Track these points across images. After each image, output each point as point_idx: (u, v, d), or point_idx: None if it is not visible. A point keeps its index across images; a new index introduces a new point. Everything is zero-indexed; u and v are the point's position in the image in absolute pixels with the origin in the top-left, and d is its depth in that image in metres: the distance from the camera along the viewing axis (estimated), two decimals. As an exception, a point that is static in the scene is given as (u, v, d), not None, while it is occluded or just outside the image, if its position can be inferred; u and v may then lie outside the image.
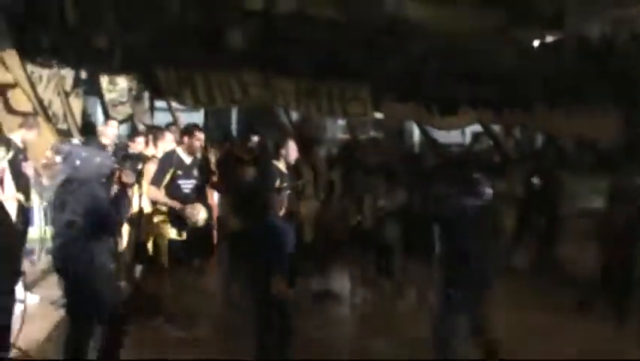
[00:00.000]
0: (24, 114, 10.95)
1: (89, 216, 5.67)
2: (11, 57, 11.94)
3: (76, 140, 8.51)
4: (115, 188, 6.38)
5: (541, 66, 21.76)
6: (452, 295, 6.48)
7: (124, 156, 7.00)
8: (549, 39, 25.75)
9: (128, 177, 6.85)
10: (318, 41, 19.21)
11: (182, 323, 8.01)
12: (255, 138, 9.24)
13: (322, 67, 18.10)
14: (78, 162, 5.70)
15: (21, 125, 8.84)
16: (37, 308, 8.29)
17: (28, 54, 12.82)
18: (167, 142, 8.39)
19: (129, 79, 15.16)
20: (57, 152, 5.71)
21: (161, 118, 14.94)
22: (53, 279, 9.13)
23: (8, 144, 8.30)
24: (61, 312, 8.57)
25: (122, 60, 15.14)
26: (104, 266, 6.02)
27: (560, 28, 25.87)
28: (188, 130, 8.18)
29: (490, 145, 19.79)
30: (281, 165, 8.55)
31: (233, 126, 18.96)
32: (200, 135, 8.16)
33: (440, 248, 6.72)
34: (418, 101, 18.02)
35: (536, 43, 25.42)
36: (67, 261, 5.86)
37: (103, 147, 8.13)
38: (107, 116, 14.74)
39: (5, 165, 5.56)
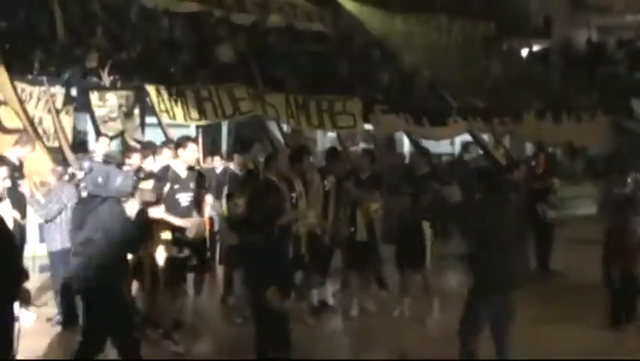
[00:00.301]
0: (15, 132, 10.97)
1: (110, 234, 5.59)
2: (0, 76, 11.95)
3: (98, 157, 8.40)
4: (136, 206, 6.31)
5: (529, 75, 21.99)
6: (476, 296, 6.47)
7: (146, 174, 6.99)
8: (537, 48, 25.98)
9: (149, 196, 6.85)
10: (307, 55, 19.35)
11: (181, 338, 7.99)
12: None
13: (312, 80, 18.21)
14: (100, 180, 5.58)
15: (15, 143, 8.81)
16: (33, 326, 8.27)
17: (19, 72, 12.86)
18: (165, 158, 8.33)
19: (119, 95, 15.16)
20: (80, 168, 5.64)
21: (152, 134, 14.93)
22: (49, 296, 9.13)
23: (6, 162, 8.27)
24: (58, 328, 8.59)
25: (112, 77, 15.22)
26: (121, 285, 5.92)
27: (547, 37, 26.11)
28: (182, 143, 8.15)
29: (480, 154, 19.88)
30: (273, 178, 8.57)
31: (224, 140, 18.98)
32: (195, 147, 8.13)
33: (466, 251, 6.69)
34: (407, 112, 18.13)
35: (524, 52, 25.64)
36: (85, 279, 5.73)
37: (122, 164, 8.04)
38: (98, 133, 14.76)
39: (8, 184, 5.47)
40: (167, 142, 9.17)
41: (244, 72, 16.97)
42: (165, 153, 8.31)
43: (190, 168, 8.12)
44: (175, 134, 15.48)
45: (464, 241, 6.73)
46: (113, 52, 15.79)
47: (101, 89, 14.92)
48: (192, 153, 8.07)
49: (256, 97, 15.99)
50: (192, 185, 8.03)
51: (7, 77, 11.77)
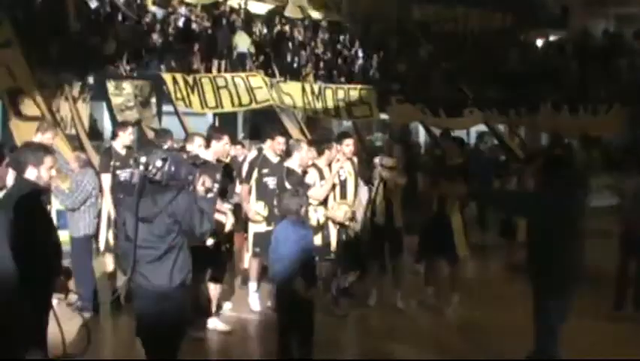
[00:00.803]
0: (34, 119, 11.03)
1: (186, 224, 5.38)
2: (18, 64, 12.03)
3: (166, 145, 8.33)
4: (199, 194, 6.21)
5: (545, 66, 21.88)
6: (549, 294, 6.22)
7: (203, 162, 6.92)
8: (553, 38, 25.85)
9: (208, 183, 6.81)
10: (323, 44, 19.34)
11: (201, 325, 8.00)
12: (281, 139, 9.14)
13: (329, 69, 18.23)
14: (173, 169, 5.36)
15: (37, 130, 8.83)
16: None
17: (37, 60, 12.92)
18: (195, 145, 8.30)
19: (135, 84, 15.20)
20: (157, 157, 5.35)
21: (169, 122, 14.98)
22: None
23: (50, 150, 8.26)
24: (78, 313, 8.60)
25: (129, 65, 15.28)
26: (190, 282, 5.63)
27: (564, 28, 25.98)
28: (215, 135, 8.16)
29: (495, 144, 19.87)
30: (295, 168, 8.55)
31: (240, 128, 19.06)
32: (227, 140, 8.15)
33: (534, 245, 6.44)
34: (423, 103, 18.13)
35: (540, 42, 25.53)
36: (160, 276, 5.36)
37: (181, 153, 7.96)
38: (115, 121, 14.83)
39: (54, 173, 5.34)
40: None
41: (261, 61, 16.99)
42: (196, 141, 8.28)
43: (218, 160, 8.13)
44: (191, 122, 15.59)
45: (533, 235, 6.44)
46: (130, 41, 15.83)
47: (118, 77, 14.97)
48: (225, 146, 8.11)
49: (272, 86, 16.00)
50: (219, 176, 8.00)
51: (26, 66, 11.87)
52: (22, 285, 4.72)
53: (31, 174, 5.05)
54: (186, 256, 5.47)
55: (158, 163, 5.21)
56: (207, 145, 8.01)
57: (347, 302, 9.30)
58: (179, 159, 5.62)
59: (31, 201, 5.01)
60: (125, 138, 8.87)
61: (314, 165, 8.68)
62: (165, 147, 8.45)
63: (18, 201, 4.87)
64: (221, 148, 8.01)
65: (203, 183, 6.04)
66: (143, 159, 5.21)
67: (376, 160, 9.18)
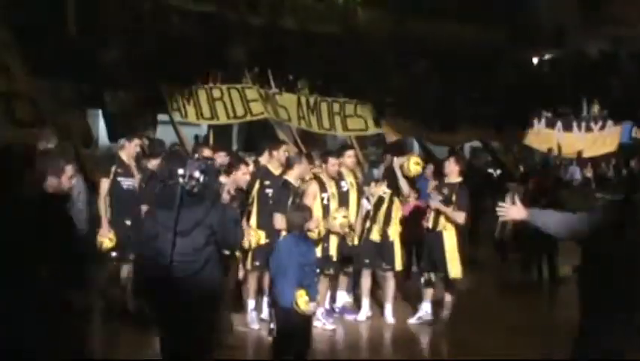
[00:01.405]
0: (28, 125, 11.00)
1: (223, 235, 5.33)
2: (17, 67, 11.97)
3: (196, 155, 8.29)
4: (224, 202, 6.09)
5: (540, 83, 22.01)
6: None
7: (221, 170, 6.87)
8: (548, 57, 25.99)
9: (233, 191, 6.75)
10: (320, 57, 19.32)
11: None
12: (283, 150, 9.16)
13: (324, 83, 18.21)
14: (207, 179, 5.21)
15: (38, 138, 8.79)
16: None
17: (35, 66, 12.87)
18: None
19: (131, 93, 15.15)
20: (195, 168, 5.17)
21: (164, 132, 14.94)
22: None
23: (69, 160, 8.18)
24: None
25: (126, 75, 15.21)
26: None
27: (559, 47, 26.11)
28: (234, 165, 8.18)
29: (489, 161, 19.94)
30: (293, 181, 8.54)
31: (234, 138, 19.04)
32: (246, 170, 8.18)
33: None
34: (418, 117, 18.19)
35: (536, 61, 25.67)
36: (200, 287, 5.24)
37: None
38: (110, 130, 14.77)
39: (74, 182, 5.11)
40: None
41: (256, 73, 16.95)
42: (206, 153, 8.25)
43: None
44: (186, 132, 15.57)
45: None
46: (126, 49, 15.77)
47: (114, 85, 14.91)
48: (243, 176, 8.11)
49: (267, 98, 15.95)
50: (235, 204, 7.95)
51: (25, 71, 11.83)
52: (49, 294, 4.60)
53: (51, 183, 4.86)
54: (218, 266, 5.40)
55: (196, 174, 5.08)
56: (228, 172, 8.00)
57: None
58: (211, 168, 5.48)
59: (54, 211, 4.80)
60: (132, 148, 8.90)
61: (316, 177, 8.67)
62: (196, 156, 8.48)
63: (40, 213, 4.64)
64: (240, 179, 8.03)
65: (229, 192, 5.96)
66: (180, 171, 5.05)
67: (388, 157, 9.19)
